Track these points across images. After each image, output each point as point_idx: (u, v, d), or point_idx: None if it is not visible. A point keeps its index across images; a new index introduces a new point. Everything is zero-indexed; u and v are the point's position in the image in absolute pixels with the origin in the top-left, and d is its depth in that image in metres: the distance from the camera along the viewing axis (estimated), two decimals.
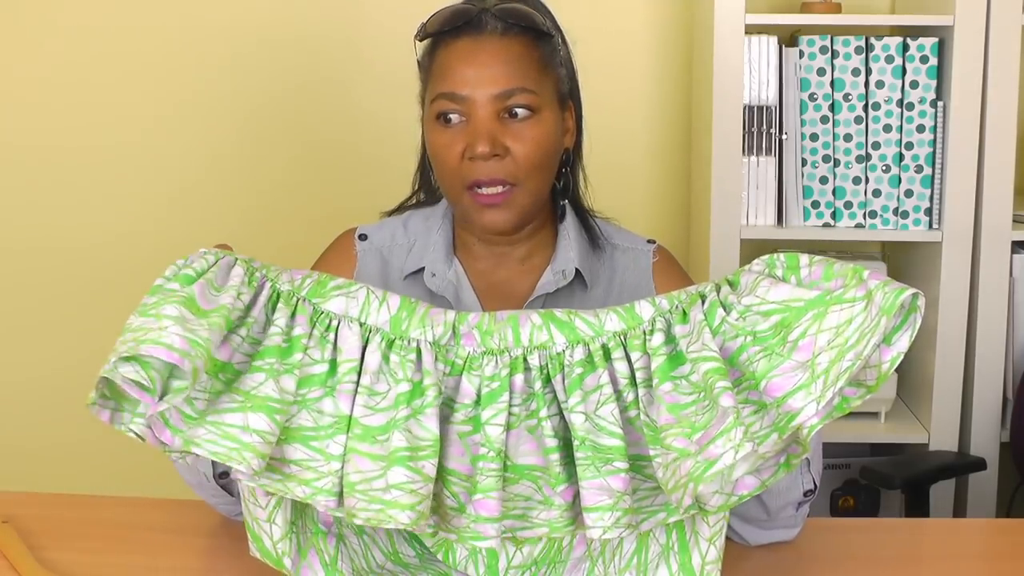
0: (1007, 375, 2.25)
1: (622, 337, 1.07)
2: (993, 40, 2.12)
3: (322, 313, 1.08)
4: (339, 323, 1.08)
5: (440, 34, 1.40)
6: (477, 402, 1.06)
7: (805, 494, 1.29)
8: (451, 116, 1.37)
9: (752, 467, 1.03)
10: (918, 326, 1.02)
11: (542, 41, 1.40)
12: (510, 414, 1.06)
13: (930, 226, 2.22)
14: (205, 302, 1.04)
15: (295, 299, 1.09)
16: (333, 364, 1.07)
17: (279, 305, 1.08)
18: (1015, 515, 2.25)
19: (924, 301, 1.02)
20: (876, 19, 2.40)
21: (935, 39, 2.17)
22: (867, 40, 2.19)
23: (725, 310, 1.07)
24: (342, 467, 1.05)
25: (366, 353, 1.07)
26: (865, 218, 2.24)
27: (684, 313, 1.08)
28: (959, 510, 2.27)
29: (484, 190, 1.36)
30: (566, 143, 1.45)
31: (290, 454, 1.06)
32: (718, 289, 1.08)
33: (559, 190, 1.46)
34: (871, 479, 2.11)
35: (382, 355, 1.07)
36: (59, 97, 2.53)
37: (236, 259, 1.09)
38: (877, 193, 2.23)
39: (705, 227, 2.26)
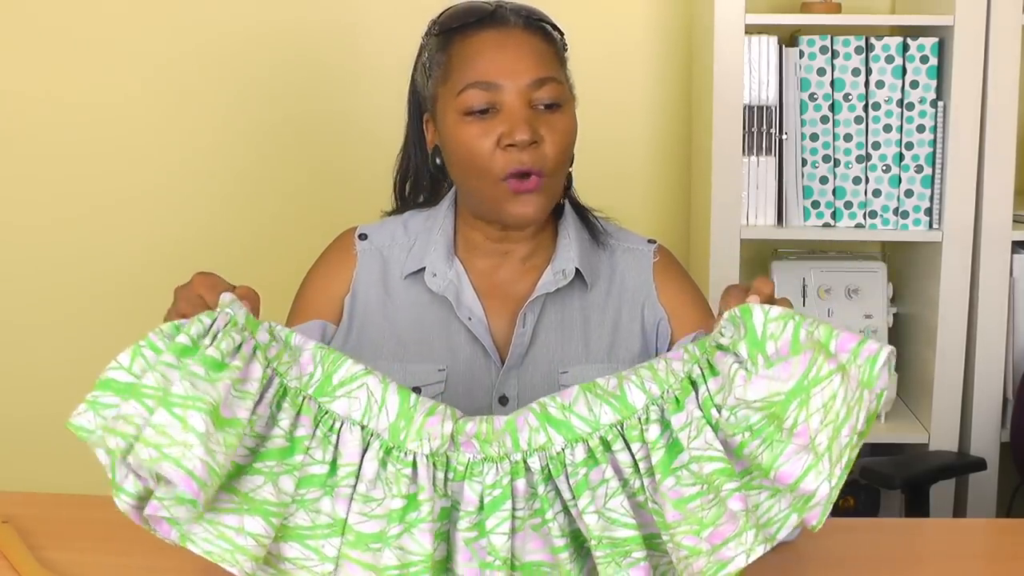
0: (1007, 375, 2.25)
1: (619, 428, 1.07)
2: (993, 40, 2.12)
3: (327, 413, 1.08)
4: (342, 425, 1.08)
5: (458, 28, 1.39)
6: (480, 508, 1.07)
7: None
8: (483, 107, 1.35)
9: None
10: (889, 374, 1.04)
11: (555, 39, 1.42)
12: (514, 518, 1.06)
13: (930, 226, 2.22)
14: (227, 409, 1.03)
15: (301, 398, 1.08)
16: (333, 465, 1.07)
17: (284, 404, 1.08)
18: (1015, 515, 2.25)
19: (895, 355, 1.04)
20: (876, 19, 2.40)
21: (935, 39, 2.17)
22: (867, 40, 2.19)
23: (717, 410, 1.07)
24: (335, 571, 1.07)
25: (364, 460, 1.07)
26: (865, 218, 2.24)
27: (677, 401, 1.07)
28: (959, 510, 2.27)
29: (517, 181, 1.35)
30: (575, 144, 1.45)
31: (286, 551, 1.08)
32: (704, 376, 1.08)
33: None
34: (871, 479, 2.11)
35: (379, 463, 1.07)
36: (58, 99, 2.53)
37: (256, 347, 1.07)
38: (877, 193, 2.23)
39: (705, 227, 2.26)
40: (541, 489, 1.07)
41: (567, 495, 1.07)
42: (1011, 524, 1.68)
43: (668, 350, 1.45)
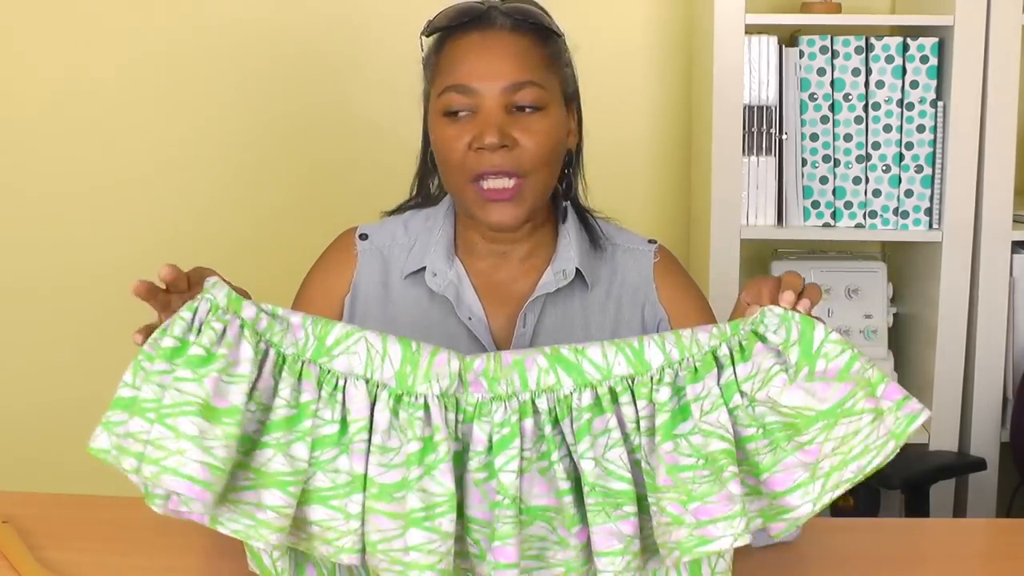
0: (1007, 375, 2.25)
1: (630, 381, 1.07)
2: (993, 40, 2.12)
3: (328, 372, 1.07)
4: (346, 382, 1.07)
5: (448, 29, 1.40)
6: (490, 449, 1.07)
7: None
8: (459, 110, 1.37)
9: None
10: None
11: (549, 40, 1.41)
12: (522, 459, 1.06)
13: (930, 226, 2.22)
14: (219, 399, 1.03)
15: (300, 363, 1.08)
16: (344, 423, 1.07)
17: (283, 373, 1.07)
18: (1015, 515, 2.25)
19: (928, 417, 1.06)
20: (876, 19, 2.40)
21: (935, 39, 2.17)
22: (867, 40, 2.19)
23: (741, 395, 1.07)
24: (362, 526, 1.06)
25: (375, 412, 1.07)
26: (865, 218, 2.24)
27: (696, 371, 1.07)
28: (959, 510, 2.27)
29: (491, 184, 1.36)
30: (569, 144, 1.45)
31: (311, 515, 1.07)
32: (732, 359, 1.07)
33: (561, 191, 1.46)
34: (871, 479, 2.10)
35: (391, 412, 1.06)
36: (56, 91, 2.53)
37: (242, 324, 1.07)
38: (877, 193, 2.23)
39: (705, 227, 2.26)
40: (547, 430, 1.07)
41: (570, 439, 1.07)
42: (1011, 524, 1.68)
43: None
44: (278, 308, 1.09)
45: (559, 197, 1.47)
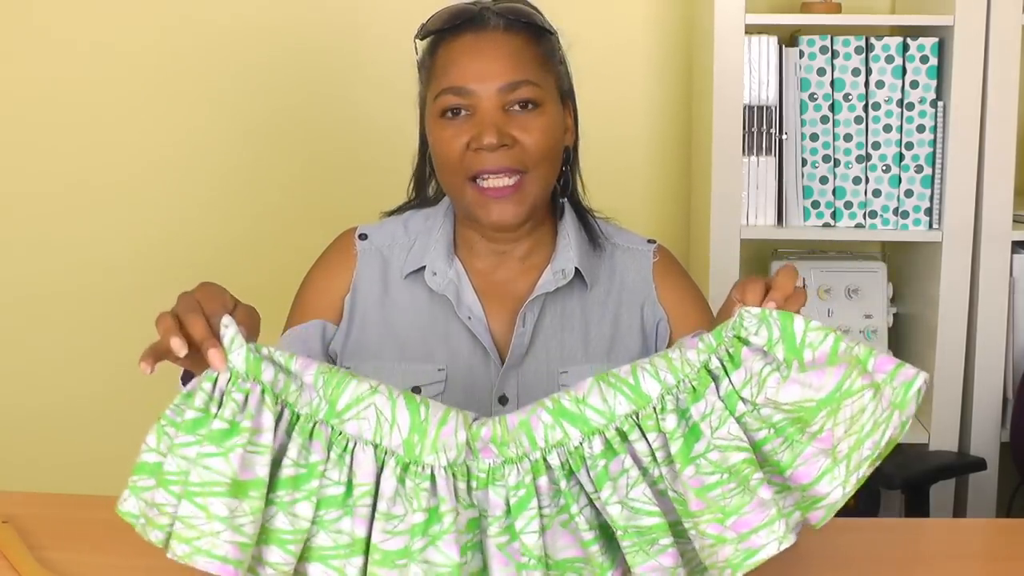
0: (1007, 375, 2.25)
1: (635, 418, 1.07)
2: (993, 40, 2.12)
3: (340, 434, 1.08)
4: (355, 445, 1.08)
5: (441, 32, 1.41)
6: (508, 512, 1.07)
7: None
8: (456, 111, 1.37)
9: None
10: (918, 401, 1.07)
11: (542, 38, 1.42)
12: (542, 516, 1.06)
13: (930, 226, 2.22)
14: (246, 472, 1.04)
15: (312, 423, 1.08)
16: (350, 485, 1.07)
17: (295, 432, 1.08)
18: (1015, 515, 2.25)
19: (926, 382, 1.06)
20: (876, 19, 2.39)
21: (935, 39, 2.17)
22: (867, 40, 2.18)
23: (744, 402, 1.07)
24: None
25: (381, 478, 1.07)
26: (865, 218, 2.24)
27: (695, 390, 1.07)
28: (959, 510, 2.27)
29: (490, 182, 1.36)
30: (566, 141, 1.45)
31: (310, 572, 1.08)
32: (724, 369, 1.07)
33: (558, 189, 1.47)
34: (871, 479, 2.09)
35: (397, 479, 1.07)
36: (53, 91, 2.53)
37: (263, 390, 1.07)
38: (877, 193, 2.23)
39: (705, 227, 2.26)
40: (564, 484, 1.07)
41: (589, 488, 1.07)
42: (1011, 524, 1.68)
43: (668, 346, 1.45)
44: (292, 360, 1.09)
45: (557, 196, 1.48)
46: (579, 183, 1.51)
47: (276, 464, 1.07)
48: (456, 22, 1.40)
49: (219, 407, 1.05)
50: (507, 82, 1.36)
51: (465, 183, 1.38)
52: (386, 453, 1.07)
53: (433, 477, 1.07)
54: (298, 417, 1.08)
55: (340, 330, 1.46)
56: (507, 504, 1.07)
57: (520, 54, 1.38)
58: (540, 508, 1.06)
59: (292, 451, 1.07)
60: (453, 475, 1.07)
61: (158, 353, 1.06)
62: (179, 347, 1.05)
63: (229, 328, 1.07)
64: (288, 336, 1.47)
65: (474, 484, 1.08)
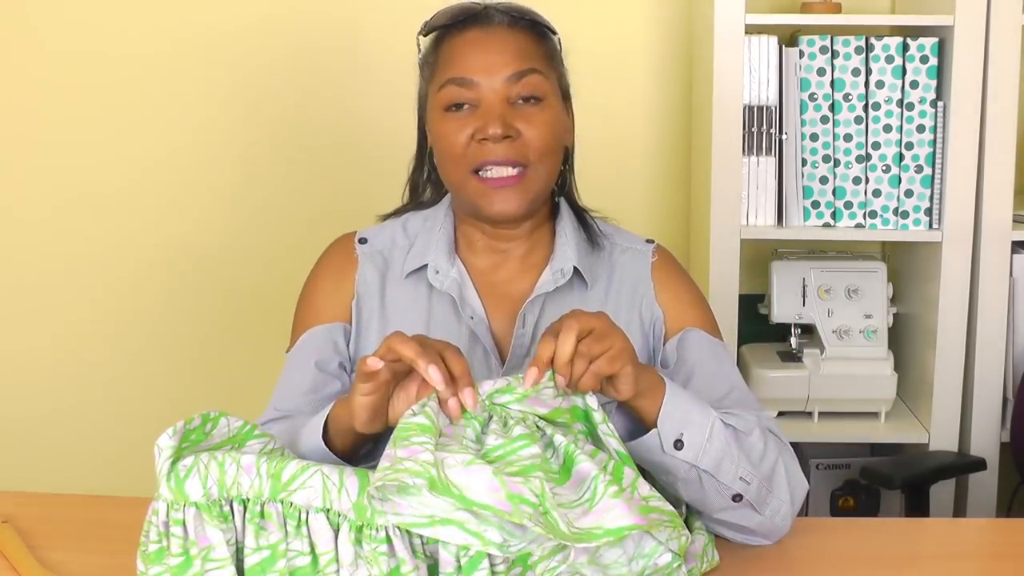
0: (1007, 375, 2.25)
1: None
2: (993, 40, 2.12)
3: (291, 506, 1.08)
4: (307, 515, 1.08)
5: (446, 27, 1.41)
6: (459, 570, 1.06)
7: (733, 498, 1.27)
8: (460, 103, 1.37)
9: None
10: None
11: (545, 37, 1.43)
12: (494, 574, 1.06)
13: (930, 226, 2.22)
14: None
15: (260, 504, 1.08)
16: (314, 555, 1.08)
17: (246, 522, 1.08)
18: (1015, 515, 2.25)
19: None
20: (876, 19, 2.39)
21: (935, 39, 2.17)
22: (867, 40, 2.19)
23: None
24: None
25: (338, 544, 1.07)
26: (865, 218, 2.24)
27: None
28: (959, 510, 2.27)
29: (493, 173, 1.37)
30: (567, 140, 1.46)
31: None
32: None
33: (556, 188, 1.47)
34: (871, 479, 2.11)
35: (352, 543, 1.07)
36: (56, 93, 2.53)
37: (197, 508, 1.08)
38: (877, 193, 2.23)
39: (705, 227, 2.26)
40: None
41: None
42: (1011, 524, 1.68)
43: (663, 345, 1.45)
44: (221, 451, 1.10)
45: (555, 196, 1.48)
46: (575, 185, 1.51)
47: (240, 553, 1.08)
48: (461, 18, 1.40)
49: (168, 542, 1.08)
50: (513, 72, 1.37)
51: (468, 175, 1.38)
52: (339, 516, 1.07)
53: (389, 538, 1.06)
54: (245, 503, 1.08)
55: (351, 334, 1.46)
56: (458, 561, 1.06)
57: (526, 47, 1.39)
58: (492, 568, 1.06)
59: (249, 539, 1.08)
60: (408, 532, 1.06)
61: (391, 366, 1.15)
62: (439, 380, 1.10)
63: (164, 452, 1.09)
64: (312, 334, 1.45)
65: (425, 539, 1.07)
